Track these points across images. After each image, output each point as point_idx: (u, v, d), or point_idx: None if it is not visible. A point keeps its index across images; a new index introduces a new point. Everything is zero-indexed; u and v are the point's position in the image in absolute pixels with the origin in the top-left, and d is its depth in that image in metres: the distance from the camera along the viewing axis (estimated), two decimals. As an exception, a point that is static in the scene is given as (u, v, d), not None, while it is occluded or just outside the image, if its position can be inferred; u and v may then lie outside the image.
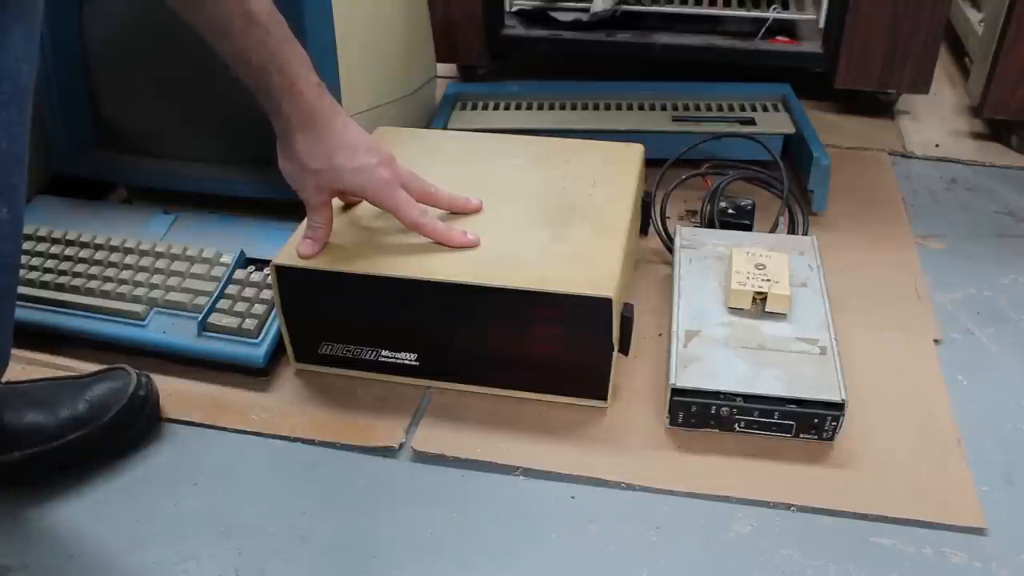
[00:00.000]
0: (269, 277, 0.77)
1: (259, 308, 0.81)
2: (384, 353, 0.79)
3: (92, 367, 0.79)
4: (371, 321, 0.77)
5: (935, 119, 1.26)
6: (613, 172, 0.85)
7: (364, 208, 0.80)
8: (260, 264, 0.85)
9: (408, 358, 0.78)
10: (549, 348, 0.74)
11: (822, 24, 1.20)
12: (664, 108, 1.13)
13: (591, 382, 0.76)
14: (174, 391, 0.80)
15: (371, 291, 0.74)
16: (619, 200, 0.81)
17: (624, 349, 0.74)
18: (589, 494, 0.71)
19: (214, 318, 0.81)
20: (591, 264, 0.73)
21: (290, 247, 0.75)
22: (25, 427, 0.70)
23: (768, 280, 0.79)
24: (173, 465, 0.74)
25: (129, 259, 0.86)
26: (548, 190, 0.83)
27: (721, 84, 1.17)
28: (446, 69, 1.34)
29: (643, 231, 0.94)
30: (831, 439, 0.73)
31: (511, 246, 0.75)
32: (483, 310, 0.73)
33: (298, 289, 0.76)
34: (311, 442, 0.76)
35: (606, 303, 0.70)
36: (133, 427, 0.74)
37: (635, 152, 0.89)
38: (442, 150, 0.90)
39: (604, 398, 0.77)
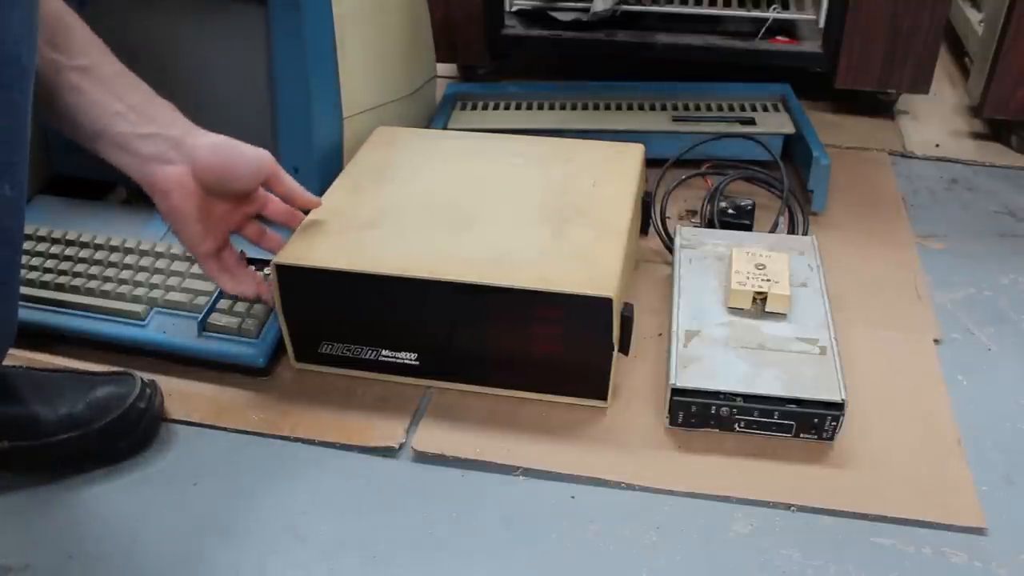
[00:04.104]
0: (269, 277, 0.77)
1: (259, 308, 0.81)
2: (384, 353, 0.78)
3: (92, 367, 0.79)
4: (371, 320, 0.77)
5: (935, 119, 1.26)
6: (613, 172, 0.85)
7: (363, 207, 0.80)
8: (260, 264, 0.85)
9: (408, 358, 0.78)
10: (549, 348, 0.74)
11: (822, 24, 1.20)
12: (664, 108, 1.13)
13: (591, 382, 0.76)
14: (174, 391, 0.80)
15: (372, 290, 0.74)
16: (619, 200, 0.81)
17: (624, 349, 0.74)
18: (589, 494, 0.71)
19: (214, 318, 0.81)
20: (591, 264, 0.73)
21: (291, 246, 0.75)
22: (24, 418, 0.70)
23: (768, 280, 0.79)
24: (173, 465, 0.74)
25: (129, 259, 0.86)
26: (549, 190, 0.83)
27: (721, 84, 1.17)
28: (446, 69, 1.34)
29: (643, 231, 0.94)
30: (831, 439, 0.73)
31: (512, 246, 0.75)
32: (483, 310, 0.73)
33: (299, 288, 0.76)
34: (311, 442, 0.76)
35: (606, 303, 0.70)
36: (127, 437, 0.74)
37: (635, 152, 0.89)
38: (442, 150, 0.90)
39: (604, 398, 0.77)
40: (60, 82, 0.65)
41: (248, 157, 0.72)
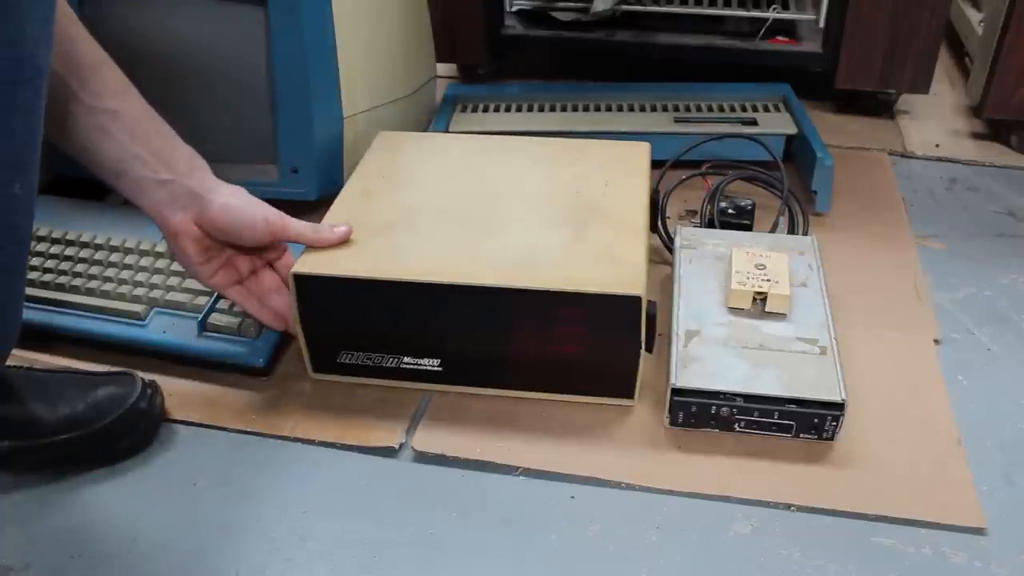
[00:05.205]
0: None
1: (259, 308, 0.81)
2: (406, 360, 0.78)
3: (92, 367, 0.79)
4: (393, 328, 0.76)
5: (935, 119, 1.26)
6: (623, 171, 0.86)
7: (376, 213, 0.80)
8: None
9: (431, 364, 0.77)
10: (576, 348, 0.74)
11: (822, 24, 1.20)
12: (666, 109, 1.13)
13: (619, 381, 0.76)
14: (174, 391, 0.80)
15: (393, 297, 0.73)
16: (634, 198, 0.82)
17: (649, 347, 0.74)
18: (589, 494, 0.71)
19: (214, 318, 0.81)
20: (617, 263, 0.73)
21: (308, 256, 0.75)
22: (24, 418, 0.70)
23: (768, 280, 0.79)
24: (173, 465, 0.74)
25: (129, 259, 0.86)
26: (561, 190, 0.83)
27: (721, 84, 1.17)
28: (446, 69, 1.34)
29: (652, 228, 0.94)
30: (831, 439, 0.73)
31: (534, 247, 0.75)
32: (509, 313, 0.73)
33: (317, 298, 0.75)
34: (311, 442, 0.76)
35: (635, 301, 0.70)
36: (127, 438, 0.73)
37: (643, 150, 0.89)
38: (448, 153, 0.90)
39: (631, 396, 0.77)
40: (89, 123, 0.67)
41: (255, 220, 0.72)
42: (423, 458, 0.74)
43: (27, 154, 0.59)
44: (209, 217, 0.71)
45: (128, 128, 0.68)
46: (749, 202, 0.94)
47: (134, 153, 0.69)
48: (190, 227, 0.71)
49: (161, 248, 0.87)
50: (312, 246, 0.75)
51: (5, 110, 0.56)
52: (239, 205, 0.72)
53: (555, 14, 1.28)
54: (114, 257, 0.87)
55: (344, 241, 0.76)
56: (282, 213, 0.74)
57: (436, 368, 0.78)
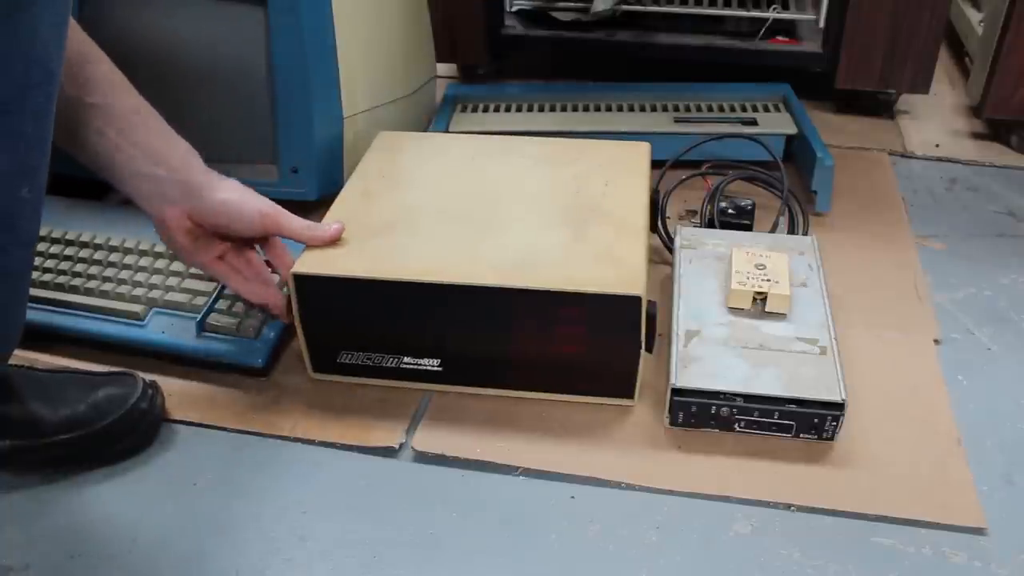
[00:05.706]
0: (285, 290, 0.77)
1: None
2: (406, 360, 0.78)
3: (92, 367, 0.79)
4: (393, 328, 0.76)
5: (935, 119, 1.26)
6: (623, 171, 0.86)
7: (376, 213, 0.80)
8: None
9: (431, 364, 0.77)
10: (576, 348, 0.74)
11: (822, 24, 1.20)
12: (666, 109, 1.14)
13: (619, 381, 0.76)
14: (174, 391, 0.80)
15: (394, 297, 0.73)
16: (634, 198, 0.82)
17: (649, 347, 0.74)
18: (589, 494, 0.71)
19: (213, 318, 0.81)
20: (617, 263, 0.73)
21: (308, 255, 0.75)
22: (25, 417, 0.70)
23: (768, 280, 0.79)
24: (173, 465, 0.74)
25: (129, 259, 0.86)
26: (562, 190, 0.83)
27: (721, 84, 1.17)
28: (446, 69, 1.34)
29: (652, 228, 0.94)
30: (831, 439, 0.73)
31: (534, 247, 0.75)
32: (510, 312, 0.73)
33: (318, 298, 0.75)
34: (311, 442, 0.76)
35: (635, 301, 0.70)
36: (128, 438, 0.73)
37: (642, 150, 0.89)
38: (448, 153, 0.90)
39: (631, 396, 0.77)
40: (78, 117, 0.67)
41: (251, 214, 0.73)
42: (423, 458, 0.74)
43: (35, 158, 0.59)
44: (204, 212, 0.71)
45: (115, 122, 0.68)
46: (749, 202, 0.94)
47: (124, 147, 0.69)
48: (181, 220, 0.71)
49: (161, 248, 0.87)
50: (305, 242, 0.75)
51: (15, 114, 0.56)
52: (235, 199, 0.72)
53: (555, 14, 1.28)
54: (114, 257, 0.87)
55: (336, 238, 0.76)
56: (277, 206, 0.74)
57: (436, 368, 0.78)
